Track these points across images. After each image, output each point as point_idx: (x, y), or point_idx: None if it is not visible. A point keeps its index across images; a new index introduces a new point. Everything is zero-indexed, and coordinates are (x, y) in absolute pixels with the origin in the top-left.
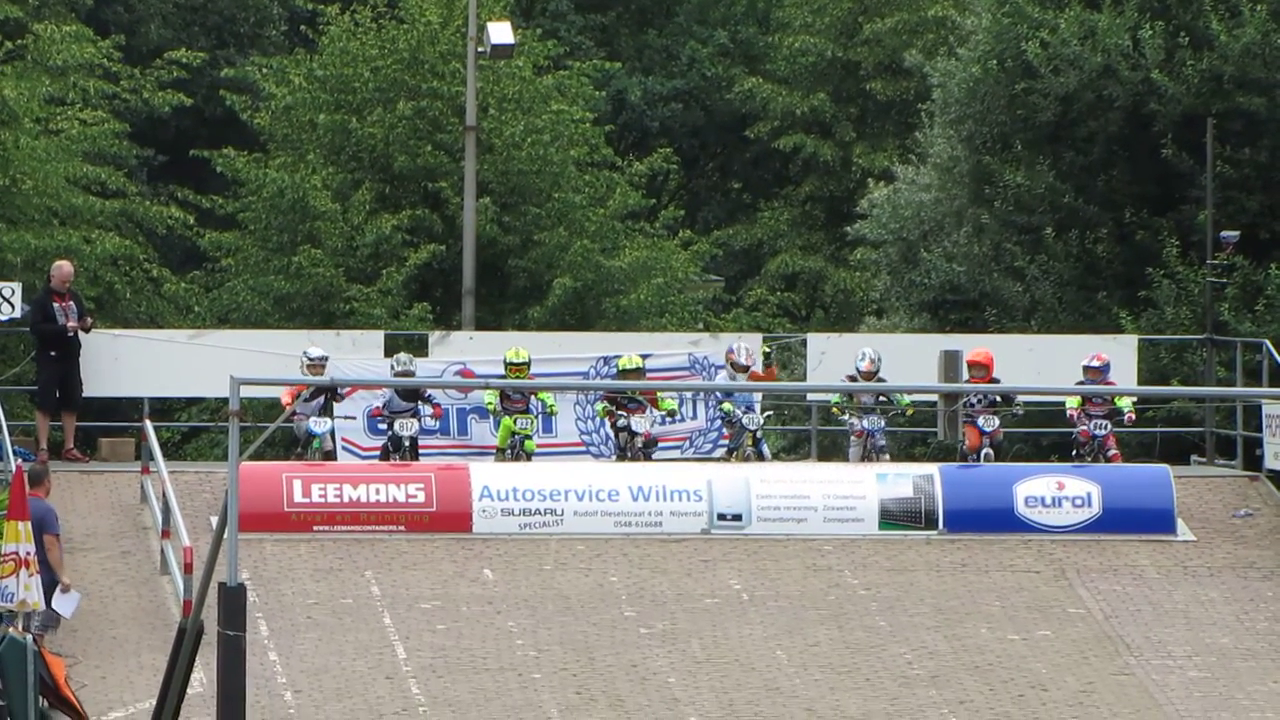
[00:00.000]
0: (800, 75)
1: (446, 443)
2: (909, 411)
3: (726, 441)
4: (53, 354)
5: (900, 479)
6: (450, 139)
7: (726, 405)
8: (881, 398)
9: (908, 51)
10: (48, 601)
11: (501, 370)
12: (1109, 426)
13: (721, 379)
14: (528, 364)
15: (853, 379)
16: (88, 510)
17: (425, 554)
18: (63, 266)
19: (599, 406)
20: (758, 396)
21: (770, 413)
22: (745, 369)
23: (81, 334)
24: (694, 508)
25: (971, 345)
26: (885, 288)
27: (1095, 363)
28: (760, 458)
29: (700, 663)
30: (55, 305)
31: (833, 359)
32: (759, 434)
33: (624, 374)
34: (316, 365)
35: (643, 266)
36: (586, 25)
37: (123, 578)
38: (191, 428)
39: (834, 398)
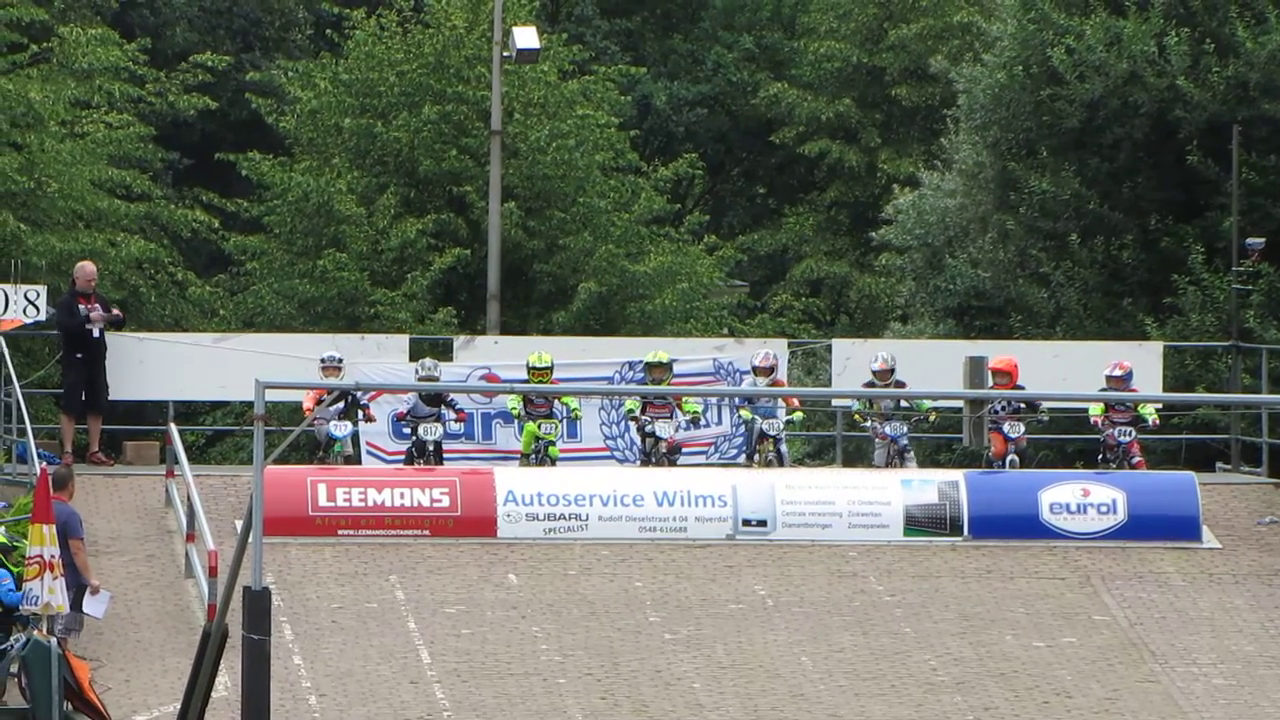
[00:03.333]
0: (826, 81)
1: (471, 447)
2: (932, 417)
3: (746, 448)
4: (79, 356)
5: (925, 485)
6: (475, 143)
7: (745, 413)
8: (904, 403)
9: (933, 57)
10: (78, 606)
11: (525, 375)
12: (1134, 433)
13: (746, 385)
14: (551, 368)
15: (870, 385)
16: (112, 514)
17: (450, 558)
18: (85, 267)
19: (628, 405)
20: (780, 403)
21: (792, 417)
22: (768, 371)
23: (108, 337)
24: (719, 513)
25: (996, 351)
26: (910, 294)
27: (1118, 372)
28: (780, 461)
29: (725, 668)
30: (80, 307)
31: (857, 365)
32: (779, 438)
33: (651, 368)
34: (331, 367)
35: (667, 271)
36: (612, 30)
37: (147, 581)
38: (216, 431)
39: (856, 404)
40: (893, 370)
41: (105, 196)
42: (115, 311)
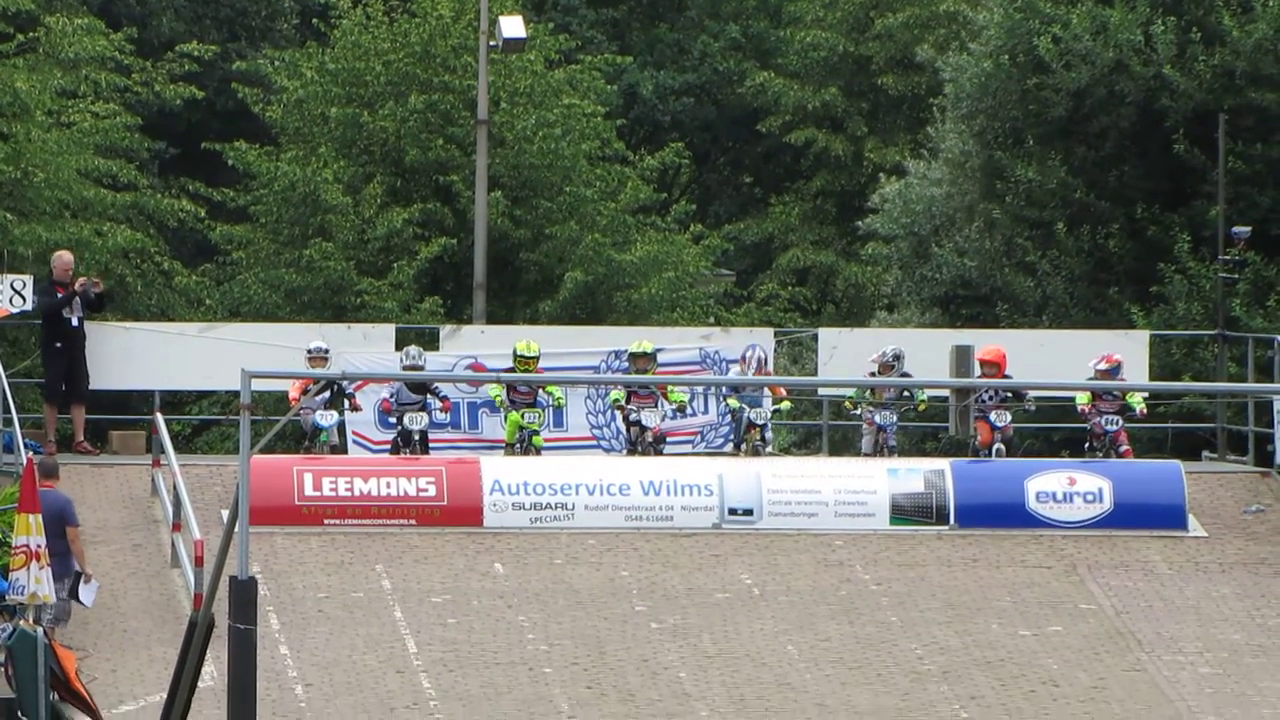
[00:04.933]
0: (812, 70)
1: (457, 436)
2: (921, 406)
3: (733, 437)
4: (58, 345)
5: (911, 474)
6: (462, 133)
7: (733, 401)
8: (904, 392)
9: (919, 46)
10: (76, 594)
11: (511, 363)
12: (1120, 422)
13: (733, 374)
14: (538, 357)
15: (874, 374)
16: (98, 503)
17: (436, 548)
18: (62, 256)
19: (613, 395)
20: (766, 392)
21: (779, 407)
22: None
23: (88, 325)
24: (705, 502)
25: (983, 340)
26: (896, 282)
27: (1105, 365)
28: (764, 445)
29: (711, 657)
30: (59, 296)
31: (844, 354)
32: (766, 425)
33: (635, 358)
34: (317, 357)
35: (654, 261)
36: (598, 19)
37: (133, 571)
38: (203, 421)
39: (850, 393)
40: (893, 366)
41: (92, 186)
42: (95, 281)
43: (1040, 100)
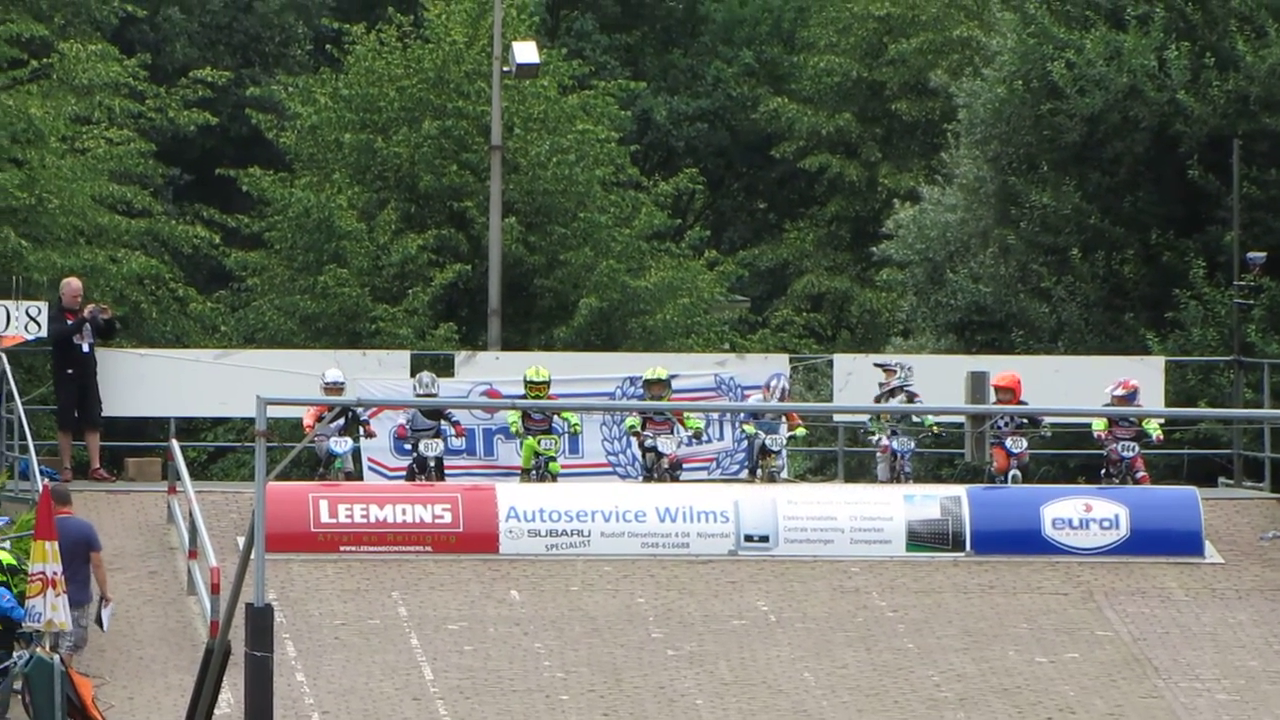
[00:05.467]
0: (826, 95)
1: (473, 463)
2: (935, 429)
3: (748, 462)
4: (69, 372)
5: (928, 500)
6: (476, 158)
7: (749, 427)
8: (914, 418)
9: (933, 72)
10: (100, 619)
11: (523, 390)
12: (1136, 448)
13: (752, 402)
14: (548, 383)
15: (881, 385)
16: (114, 530)
17: (452, 575)
18: (71, 283)
19: (629, 421)
20: (782, 418)
21: (794, 433)
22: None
23: (99, 352)
24: (721, 529)
25: (998, 366)
26: (911, 308)
27: (1122, 391)
28: (779, 471)
29: (728, 684)
30: (69, 323)
31: (859, 380)
32: (781, 452)
33: (650, 384)
34: (334, 389)
35: (668, 287)
36: (612, 45)
37: (149, 598)
38: (218, 447)
39: (869, 423)
40: (902, 386)
41: (106, 212)
42: (104, 307)
43: (1054, 126)
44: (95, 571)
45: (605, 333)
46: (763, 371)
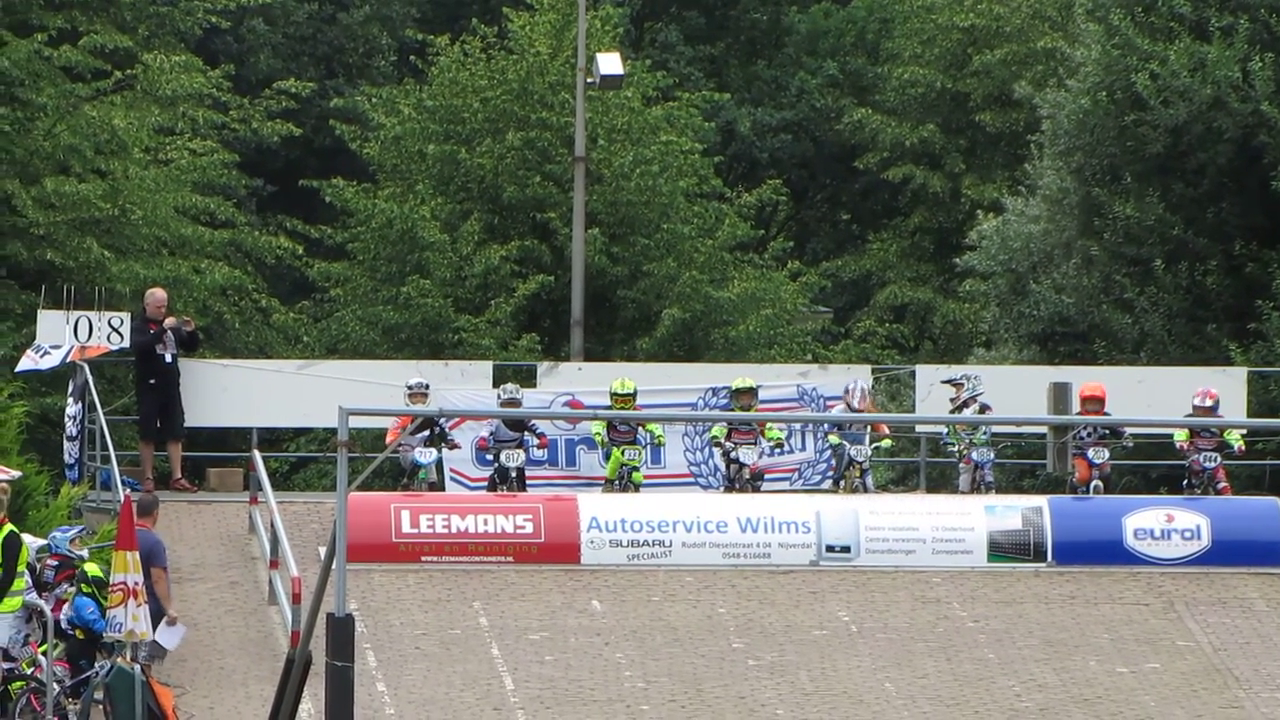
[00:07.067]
0: (910, 106)
1: (554, 474)
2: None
3: (833, 473)
4: (151, 383)
5: (1009, 511)
6: (559, 169)
7: (834, 438)
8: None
9: (1017, 83)
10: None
11: (608, 401)
12: (1218, 459)
13: (836, 411)
14: (634, 395)
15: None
16: (196, 540)
17: (533, 585)
18: (155, 293)
19: (714, 431)
20: (868, 429)
21: (880, 444)
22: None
23: (182, 363)
24: (802, 539)
25: (1080, 377)
26: (994, 319)
27: (1207, 402)
28: (865, 489)
29: (808, 694)
30: (151, 333)
31: (942, 391)
32: (866, 465)
33: (738, 394)
34: (417, 394)
35: (751, 298)
36: (696, 56)
37: (230, 608)
38: (300, 458)
39: (948, 437)
40: (962, 385)
41: (189, 223)
42: (187, 320)
43: (1138, 137)
44: (155, 587)
45: (688, 344)
46: (846, 382)
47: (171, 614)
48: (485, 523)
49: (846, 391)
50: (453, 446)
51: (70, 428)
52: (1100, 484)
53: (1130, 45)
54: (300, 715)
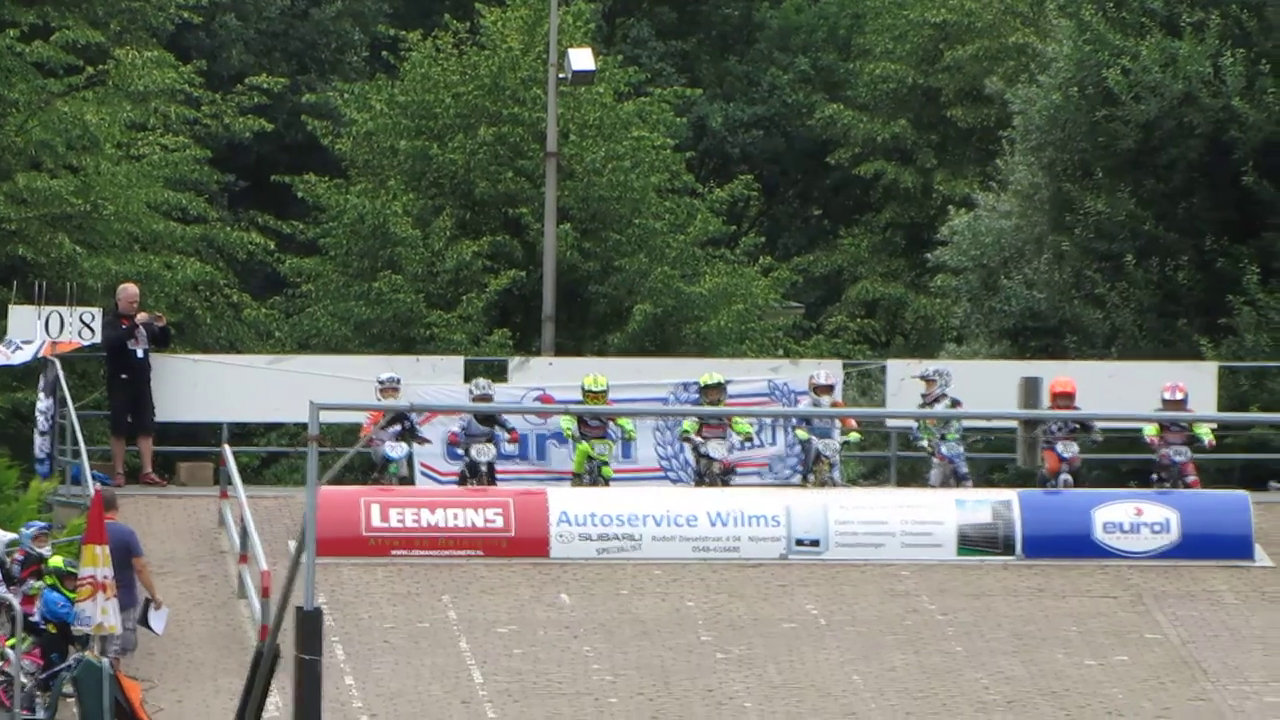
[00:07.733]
0: (881, 102)
1: (524, 468)
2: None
3: (801, 468)
4: (123, 377)
5: (979, 505)
6: (531, 165)
7: (802, 432)
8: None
9: (989, 78)
10: (146, 621)
11: (580, 397)
12: (1188, 453)
13: (804, 406)
14: (605, 391)
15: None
16: (166, 534)
17: (502, 579)
18: (127, 289)
19: (685, 425)
20: (836, 423)
21: (848, 438)
22: (828, 389)
23: (152, 357)
24: (772, 533)
25: (1051, 372)
26: (965, 314)
27: (1177, 395)
28: (832, 479)
29: (776, 688)
30: (123, 328)
31: (913, 386)
32: (834, 460)
33: (706, 389)
34: (388, 389)
35: (723, 293)
36: (668, 52)
37: (200, 601)
38: (270, 453)
39: (917, 431)
40: (934, 381)
41: (161, 219)
42: (158, 315)
43: (1109, 132)
44: (139, 576)
45: (659, 339)
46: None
47: (158, 599)
48: (455, 517)
49: (812, 377)
50: (422, 442)
51: (41, 422)
52: (1070, 478)
53: (1101, 41)
54: (268, 708)
